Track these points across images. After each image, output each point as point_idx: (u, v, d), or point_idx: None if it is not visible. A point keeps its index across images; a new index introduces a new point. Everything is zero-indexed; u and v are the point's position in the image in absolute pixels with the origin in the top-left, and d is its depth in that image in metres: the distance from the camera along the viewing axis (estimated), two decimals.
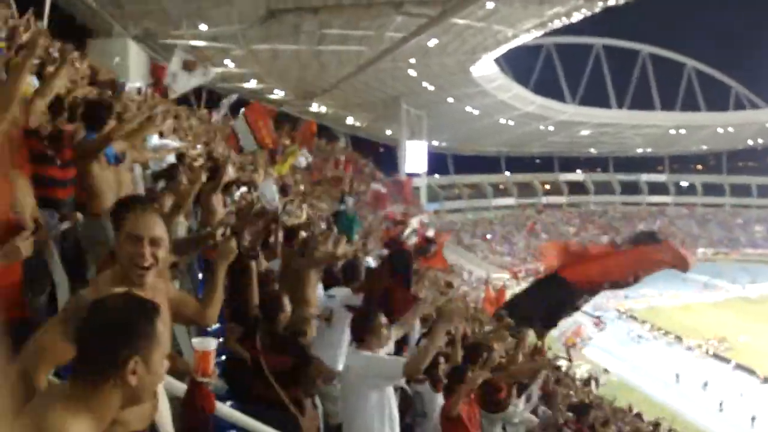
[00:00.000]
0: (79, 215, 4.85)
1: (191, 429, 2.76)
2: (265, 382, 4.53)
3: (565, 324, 17.36)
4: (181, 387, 2.91)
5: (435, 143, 65.19)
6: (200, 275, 6.98)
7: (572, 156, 79.40)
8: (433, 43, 36.85)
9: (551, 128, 66.88)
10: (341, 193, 19.30)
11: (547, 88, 64.95)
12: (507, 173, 77.37)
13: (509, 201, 74.52)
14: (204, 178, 8.14)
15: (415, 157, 58.57)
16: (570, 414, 9.59)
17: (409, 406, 5.85)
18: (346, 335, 5.32)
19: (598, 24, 63.27)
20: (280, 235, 7.41)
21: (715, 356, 39.74)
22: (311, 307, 6.69)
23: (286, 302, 4.99)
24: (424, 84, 48.60)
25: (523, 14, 34.82)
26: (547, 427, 8.00)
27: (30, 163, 4.54)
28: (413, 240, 22.65)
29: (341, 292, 6.61)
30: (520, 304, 6.51)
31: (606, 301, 48.40)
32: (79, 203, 4.99)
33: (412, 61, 41.26)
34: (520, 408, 7.46)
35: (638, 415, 19.77)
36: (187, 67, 17.14)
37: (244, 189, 10.88)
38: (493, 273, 49.02)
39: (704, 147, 77.89)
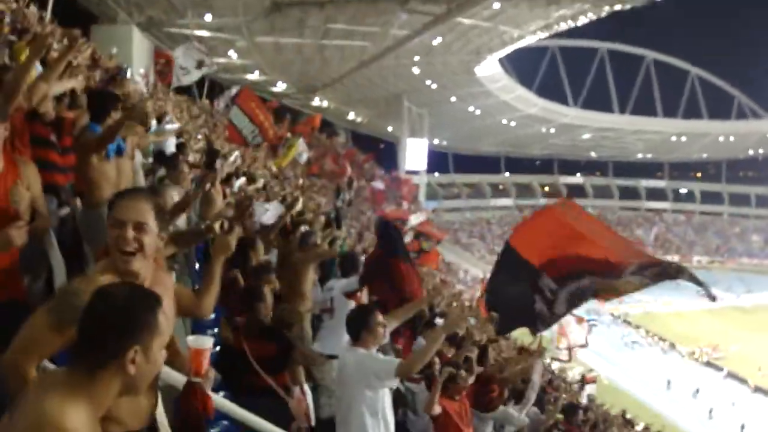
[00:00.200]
0: (78, 201, 4.86)
1: (190, 428, 2.72)
2: (252, 370, 4.57)
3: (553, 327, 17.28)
4: (178, 378, 2.88)
5: (436, 141, 65.17)
6: (197, 266, 6.99)
7: (572, 159, 79.42)
8: (437, 41, 36.84)
9: (552, 131, 66.91)
10: (338, 189, 19.23)
11: (550, 90, 64.97)
12: (506, 174, 77.38)
13: (507, 202, 74.48)
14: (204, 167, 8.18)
15: (415, 154, 58.53)
16: (560, 415, 9.62)
17: (401, 402, 5.88)
18: None
19: (603, 28, 63.28)
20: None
21: (708, 364, 39.81)
22: (307, 301, 6.73)
23: (267, 292, 5.02)
24: (427, 82, 48.59)
25: (529, 16, 34.81)
26: (537, 427, 8.02)
27: (31, 146, 4.56)
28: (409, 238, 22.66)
29: (339, 284, 6.64)
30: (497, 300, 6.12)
31: (601, 304, 48.54)
32: (77, 191, 4.99)
33: (416, 58, 41.24)
34: (511, 408, 7.49)
35: (628, 421, 19.83)
36: (201, 65, 17.15)
37: (243, 180, 10.89)
38: (489, 273, 49.04)
39: (704, 155, 77.87)
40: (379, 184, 43.62)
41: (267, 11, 29.98)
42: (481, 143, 71.59)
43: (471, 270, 54.20)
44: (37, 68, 6.07)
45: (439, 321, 11.79)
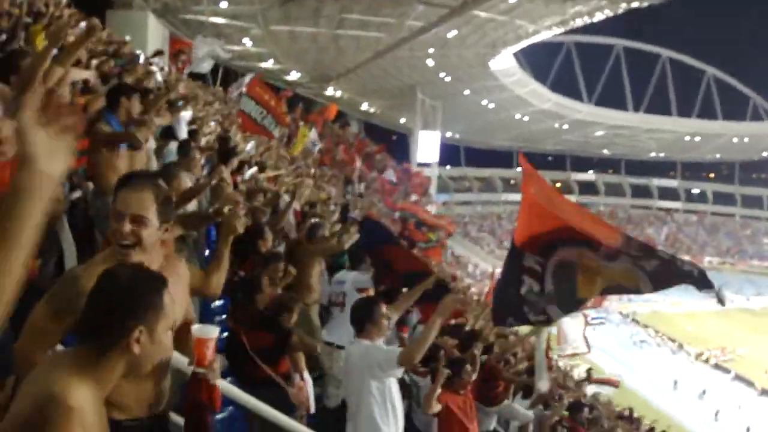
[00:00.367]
0: (90, 184, 4.89)
1: (191, 422, 2.71)
2: (251, 361, 4.60)
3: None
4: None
5: (448, 134, 64.98)
6: (207, 252, 7.02)
7: (585, 156, 79.11)
8: (452, 34, 36.70)
9: (566, 127, 66.63)
10: (347, 180, 19.32)
11: (564, 86, 64.69)
12: (518, 169, 77.08)
13: (519, 197, 74.01)
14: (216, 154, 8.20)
15: (427, 147, 58.39)
16: (565, 412, 9.62)
17: (406, 394, 5.90)
18: None
19: (619, 25, 63.00)
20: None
21: (715, 366, 39.69)
22: (313, 292, 6.76)
23: (265, 283, 5.04)
24: (441, 74, 48.43)
25: (545, 11, 34.63)
26: (541, 423, 8.03)
27: None
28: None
29: (350, 276, 6.66)
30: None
31: (609, 303, 48.43)
32: (89, 175, 5.03)
33: (431, 50, 41.11)
34: (515, 403, 7.51)
35: (634, 419, 19.78)
36: (214, 56, 17.22)
37: (254, 169, 10.90)
38: (499, 268, 48.97)
39: (718, 155, 77.38)
40: (390, 175, 43.53)
41: (282, 0, 29.97)
42: (494, 137, 71.35)
43: (480, 264, 54.17)
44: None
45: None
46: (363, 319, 4.65)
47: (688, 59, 75.26)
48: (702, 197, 79.77)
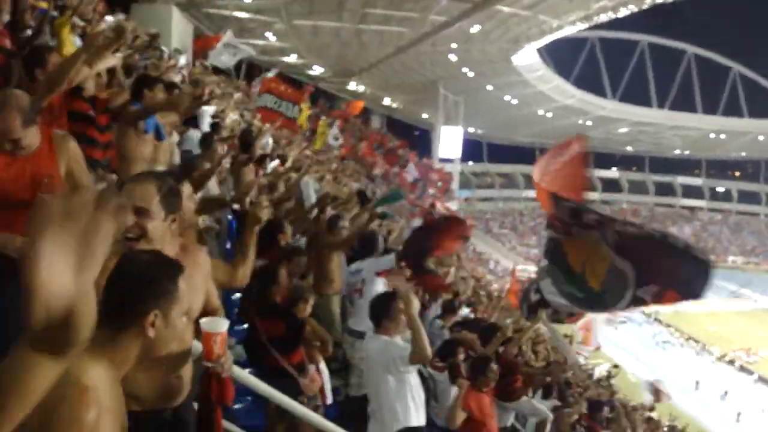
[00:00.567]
0: (113, 177, 4.95)
1: (201, 415, 2.72)
2: (266, 350, 4.63)
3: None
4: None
5: (470, 130, 64.79)
6: (228, 245, 7.08)
7: (608, 152, 78.52)
8: (476, 29, 36.54)
9: (589, 123, 66.15)
10: (368, 176, 19.35)
11: (588, 82, 64.39)
12: None
13: None
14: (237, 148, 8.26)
15: (449, 142, 58.25)
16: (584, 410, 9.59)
17: (424, 388, 5.92)
18: None
19: (644, 21, 62.36)
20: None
21: (738, 367, 39.28)
22: (333, 284, 6.79)
23: (283, 275, 5.06)
24: (464, 70, 48.26)
25: (569, 6, 34.38)
26: (560, 420, 8.01)
27: (71, 122, 4.64)
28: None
29: (365, 264, 6.69)
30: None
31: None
32: (113, 168, 5.09)
33: (454, 45, 40.97)
34: (533, 400, 7.50)
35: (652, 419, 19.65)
36: (236, 54, 17.42)
37: (277, 162, 10.96)
38: (520, 264, 48.86)
39: (743, 154, 76.45)
40: (411, 171, 43.46)
41: None
42: (516, 133, 71.04)
43: (501, 260, 54.04)
44: (77, 43, 6.18)
45: (465, 310, 11.83)
46: (380, 315, 4.68)
47: (713, 55, 74.52)
48: (727, 196, 78.92)
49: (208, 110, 10.83)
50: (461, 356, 6.14)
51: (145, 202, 2.48)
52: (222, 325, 2.37)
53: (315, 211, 7.64)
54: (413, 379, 4.58)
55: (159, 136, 5.26)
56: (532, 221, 66.81)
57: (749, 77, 73.74)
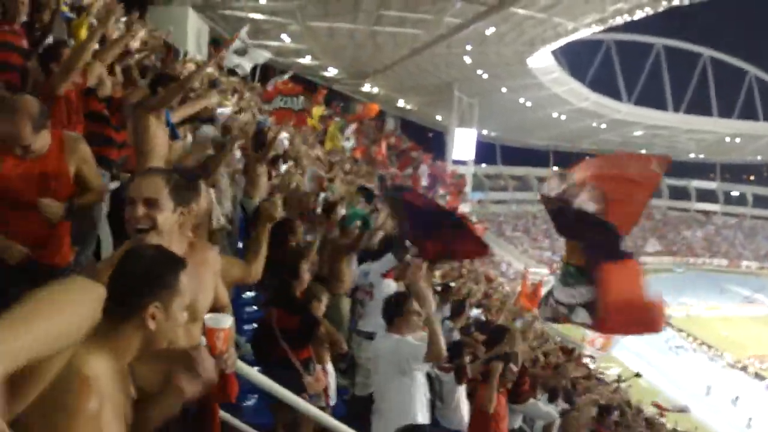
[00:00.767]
0: (128, 175, 5.03)
1: (199, 408, 2.73)
2: (274, 338, 4.70)
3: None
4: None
5: (484, 132, 64.68)
6: (240, 244, 7.16)
7: None
8: (491, 31, 36.55)
9: (604, 126, 65.91)
10: (379, 176, 19.38)
11: (603, 84, 64.05)
12: (555, 168, 76.44)
13: None
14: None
15: (463, 144, 58.19)
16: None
17: (430, 390, 5.97)
18: None
19: (660, 23, 62.11)
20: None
21: (752, 374, 38.98)
22: (344, 283, 6.85)
23: (304, 269, 5.13)
24: (479, 72, 48.23)
25: (584, 8, 34.32)
26: (567, 423, 8.04)
27: (87, 121, 4.73)
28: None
29: (374, 266, 6.74)
30: None
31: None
32: (128, 167, 5.17)
33: (468, 47, 40.97)
34: (540, 403, 7.52)
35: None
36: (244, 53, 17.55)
37: (291, 163, 11.04)
38: (532, 267, 48.76)
39: (759, 157, 75.75)
40: (423, 173, 43.40)
41: None
42: (531, 136, 70.87)
43: (514, 263, 53.93)
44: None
45: (475, 312, 11.88)
46: (392, 315, 4.74)
47: (729, 59, 74.04)
48: (741, 200, 78.23)
49: (225, 112, 10.94)
50: (467, 358, 6.19)
51: (154, 193, 2.51)
52: (226, 321, 2.40)
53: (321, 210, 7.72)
54: (421, 378, 4.63)
55: (174, 135, 5.33)
56: (545, 224, 66.51)
57: (765, 80, 73.13)
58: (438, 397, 6.26)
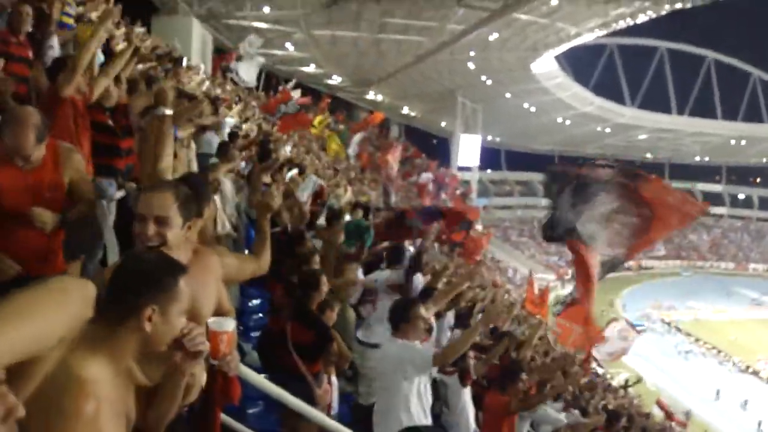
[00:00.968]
0: (133, 184, 5.06)
1: (199, 410, 2.76)
2: (287, 351, 4.71)
3: (612, 347, 17.41)
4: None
5: (489, 138, 64.66)
6: (246, 252, 7.17)
7: (628, 160, 77.97)
8: (494, 37, 36.60)
9: (608, 130, 65.88)
10: (384, 185, 19.44)
11: (607, 88, 64.03)
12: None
13: None
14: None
15: (468, 150, 58.22)
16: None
17: (435, 396, 5.98)
18: None
19: (663, 27, 61.99)
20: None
21: (763, 378, 38.74)
22: (349, 290, 6.86)
23: (324, 282, 5.14)
24: (482, 78, 48.27)
25: (587, 13, 34.34)
26: (575, 428, 8.01)
27: (92, 131, 4.76)
28: None
29: (383, 275, 6.76)
30: None
31: (651, 310, 47.69)
32: (132, 176, 5.19)
33: (472, 53, 41.04)
34: (548, 408, 7.50)
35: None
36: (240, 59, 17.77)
37: (295, 171, 11.05)
38: (538, 273, 48.64)
39: (764, 160, 75.53)
40: (428, 176, 43.38)
41: (325, 4, 30.21)
42: (535, 141, 70.84)
43: (520, 269, 53.81)
44: (99, 58, 6.32)
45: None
46: (398, 320, 4.76)
47: (733, 61, 73.96)
48: (747, 202, 78.03)
49: (229, 122, 11.00)
50: (471, 361, 6.20)
51: (165, 211, 2.55)
52: (228, 324, 2.43)
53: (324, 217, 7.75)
54: (423, 383, 4.65)
55: (174, 138, 5.36)
56: None
57: None
58: (443, 402, 6.27)
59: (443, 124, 62.29)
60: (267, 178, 7.98)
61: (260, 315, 6.85)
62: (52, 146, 3.45)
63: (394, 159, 30.08)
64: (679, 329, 46.03)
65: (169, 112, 4.19)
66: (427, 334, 5.54)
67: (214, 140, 8.22)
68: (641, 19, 36.00)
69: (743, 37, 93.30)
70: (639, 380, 21.83)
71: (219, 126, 9.09)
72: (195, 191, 2.80)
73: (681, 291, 52.88)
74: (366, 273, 7.61)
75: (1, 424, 1.36)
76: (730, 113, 70.50)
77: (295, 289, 5.23)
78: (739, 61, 74.09)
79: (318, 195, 9.77)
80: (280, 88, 24.90)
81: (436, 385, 6.01)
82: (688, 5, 33.18)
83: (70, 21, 6.95)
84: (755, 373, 39.08)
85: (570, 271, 52.78)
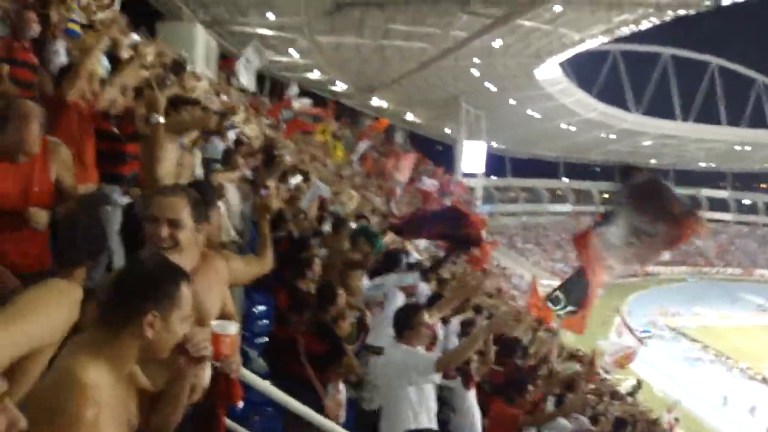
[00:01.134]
0: (138, 191, 5.05)
1: (201, 410, 2.75)
2: (299, 361, 4.69)
3: (616, 347, 17.41)
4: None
5: (493, 144, 64.69)
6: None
7: (632, 166, 77.69)
8: (497, 43, 36.68)
9: (612, 136, 65.85)
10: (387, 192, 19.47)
11: (611, 95, 64.03)
12: (565, 179, 76.34)
13: (565, 207, 73.48)
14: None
15: (472, 157, 58.23)
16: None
17: (442, 401, 5.96)
18: None
19: (667, 33, 62.10)
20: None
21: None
22: (355, 297, 6.84)
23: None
24: (486, 84, 48.33)
25: (590, 19, 34.38)
26: None
27: (97, 139, 4.76)
28: None
29: (390, 278, 6.74)
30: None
31: (657, 317, 47.52)
32: (138, 183, 5.20)
33: (476, 60, 41.10)
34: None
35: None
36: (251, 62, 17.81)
37: (300, 178, 11.04)
38: (544, 279, 48.49)
39: None
40: (430, 183, 43.30)
41: (328, 11, 30.29)
42: (539, 147, 70.85)
43: (526, 276, 53.73)
44: (104, 64, 6.32)
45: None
46: (401, 326, 4.76)
47: (737, 67, 73.93)
48: (753, 208, 77.86)
49: (234, 128, 10.99)
50: (473, 365, 6.18)
51: (177, 214, 2.61)
52: (231, 327, 2.45)
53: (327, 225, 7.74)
54: (431, 392, 4.65)
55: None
56: (556, 236, 66.41)
57: None
58: (450, 408, 6.25)
59: (447, 130, 62.32)
60: (272, 185, 7.97)
61: (266, 321, 6.84)
62: (42, 141, 3.43)
63: (406, 167, 30.11)
64: (685, 335, 45.84)
65: (161, 119, 4.20)
66: (432, 344, 5.55)
67: (219, 146, 8.23)
68: (645, 25, 36.06)
69: (747, 42, 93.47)
70: (639, 386, 21.77)
71: (224, 132, 9.09)
72: (202, 197, 2.83)
73: (687, 297, 52.69)
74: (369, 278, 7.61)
75: None
76: (735, 119, 70.56)
77: (298, 293, 5.22)
78: (744, 66, 74.11)
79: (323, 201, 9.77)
80: (287, 91, 24.96)
81: (442, 390, 6.00)
82: (692, 11, 33.21)
83: (76, 27, 6.96)
84: (764, 380, 38.88)
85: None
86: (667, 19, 34.66)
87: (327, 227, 8.27)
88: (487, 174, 63.93)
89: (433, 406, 4.71)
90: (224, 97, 16.92)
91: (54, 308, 1.65)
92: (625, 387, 22.75)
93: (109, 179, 4.72)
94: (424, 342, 4.87)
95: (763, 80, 73.19)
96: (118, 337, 1.89)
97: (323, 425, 3.86)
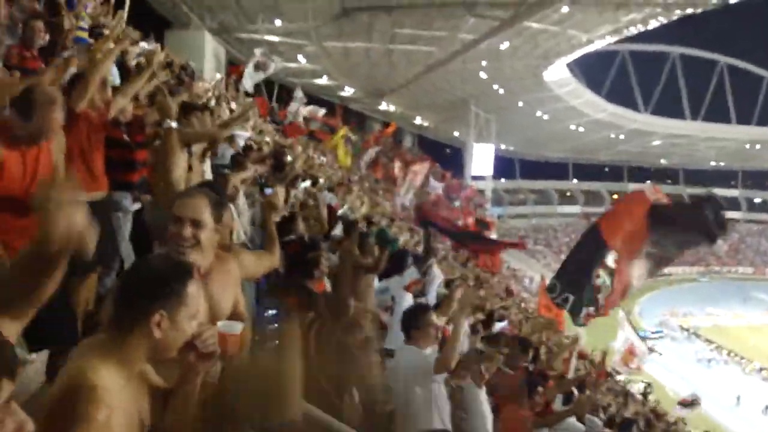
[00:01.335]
0: (148, 197, 5.10)
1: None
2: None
3: (618, 342, 17.37)
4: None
5: (502, 147, 64.60)
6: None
7: (642, 166, 77.60)
8: (505, 45, 36.67)
9: (622, 137, 65.64)
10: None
11: (619, 95, 63.74)
12: (574, 180, 76.13)
13: (575, 209, 73.22)
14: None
15: (481, 160, 58.20)
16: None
17: (453, 402, 5.97)
18: None
19: (675, 32, 61.83)
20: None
21: None
22: (366, 304, 6.86)
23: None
24: (495, 87, 48.31)
25: (598, 20, 34.34)
26: None
27: (107, 146, 4.80)
28: None
29: (392, 282, 6.75)
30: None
31: (669, 317, 47.25)
32: (148, 189, 5.23)
33: (484, 63, 41.11)
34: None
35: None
36: (259, 67, 17.88)
37: (308, 183, 11.08)
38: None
39: None
40: (437, 185, 43.30)
41: (336, 16, 30.38)
42: (549, 149, 70.67)
43: (536, 277, 53.60)
44: (114, 73, 6.37)
45: (499, 325, 11.81)
46: (409, 327, 4.77)
47: (746, 65, 73.48)
48: (764, 206, 77.39)
49: (244, 135, 11.03)
50: (483, 366, 6.19)
51: (200, 214, 2.66)
52: (236, 327, 2.48)
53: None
54: (439, 389, 4.65)
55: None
56: (566, 237, 66.20)
57: None
58: (462, 408, 6.25)
59: (456, 133, 62.29)
60: (281, 190, 7.99)
61: (275, 325, 6.85)
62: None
63: (419, 173, 30.17)
64: (698, 335, 45.57)
65: (174, 124, 4.25)
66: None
67: (227, 152, 8.26)
68: (652, 24, 35.96)
69: (756, 40, 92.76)
70: (651, 387, 21.69)
71: (232, 138, 9.13)
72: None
73: (699, 297, 52.39)
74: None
75: None
76: (744, 117, 70.09)
77: (305, 291, 5.24)
78: (753, 64, 73.64)
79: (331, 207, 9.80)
80: (294, 95, 25.07)
81: (453, 393, 6.00)
82: (699, 10, 33.12)
83: (85, 35, 7.02)
84: None
85: None
86: (675, 18, 34.57)
87: (338, 231, 8.29)
88: (497, 176, 63.84)
89: (446, 406, 4.72)
90: (233, 104, 16.97)
91: None
92: (637, 389, 22.67)
93: (118, 186, 4.76)
94: (432, 342, 4.87)
95: None
96: (127, 338, 1.91)
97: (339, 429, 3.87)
